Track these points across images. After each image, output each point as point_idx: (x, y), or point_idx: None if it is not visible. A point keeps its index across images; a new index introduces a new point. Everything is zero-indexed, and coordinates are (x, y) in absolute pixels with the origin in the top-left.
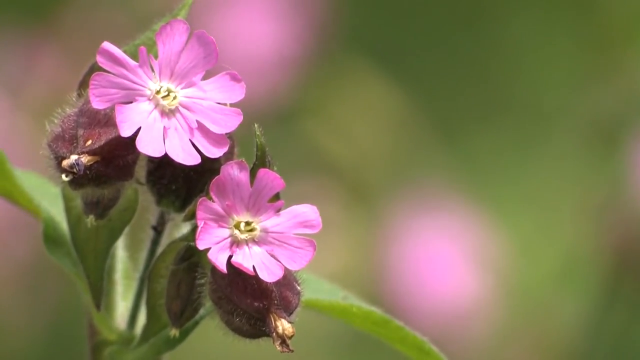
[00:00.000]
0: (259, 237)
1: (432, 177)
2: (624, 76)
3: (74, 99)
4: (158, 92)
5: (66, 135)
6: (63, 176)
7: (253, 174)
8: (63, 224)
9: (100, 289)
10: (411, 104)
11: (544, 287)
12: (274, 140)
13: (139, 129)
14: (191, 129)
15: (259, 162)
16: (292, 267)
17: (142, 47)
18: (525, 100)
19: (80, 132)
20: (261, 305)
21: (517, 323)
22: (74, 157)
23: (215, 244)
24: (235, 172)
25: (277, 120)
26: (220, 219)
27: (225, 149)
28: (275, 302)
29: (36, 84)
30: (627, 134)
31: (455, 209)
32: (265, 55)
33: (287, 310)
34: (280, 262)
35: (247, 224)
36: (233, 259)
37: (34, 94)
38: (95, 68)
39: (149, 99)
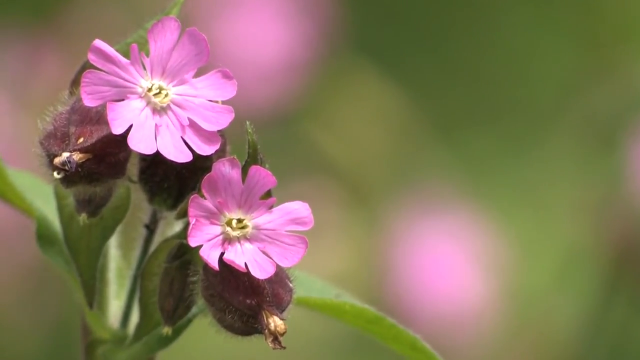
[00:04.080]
0: (251, 234)
1: (433, 179)
2: (621, 75)
3: (66, 96)
4: (150, 89)
5: (58, 133)
6: (55, 174)
7: (245, 171)
8: (56, 223)
9: (92, 288)
10: (412, 106)
11: (544, 286)
12: (276, 142)
13: (131, 126)
14: (183, 127)
15: (251, 159)
16: (284, 264)
17: (133, 44)
18: (525, 100)
19: (72, 129)
20: (253, 302)
21: (518, 323)
22: (65, 155)
23: (207, 241)
24: (227, 169)
25: (280, 122)
26: (212, 216)
27: (217, 147)
28: (268, 299)
29: (37, 84)
30: (624, 133)
31: (456, 210)
32: (270, 58)
33: (279, 307)
34: (272, 259)
35: (239, 221)
36: (225, 256)
37: (36, 94)
38: (87, 66)
39: (140, 97)
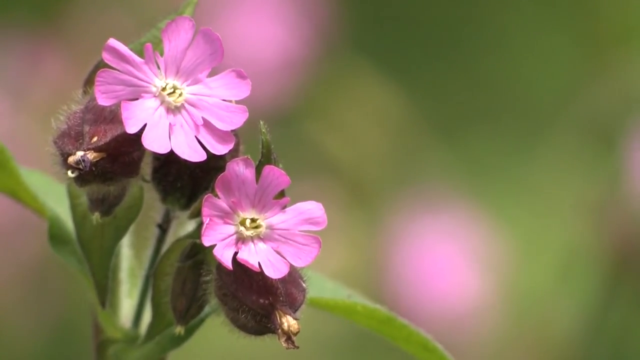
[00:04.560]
0: (265, 234)
1: (433, 178)
2: (621, 75)
3: (79, 96)
4: (164, 88)
5: (72, 132)
6: (69, 172)
7: (258, 170)
8: (68, 223)
9: (105, 287)
10: (412, 106)
11: (544, 287)
12: (276, 142)
13: (145, 125)
14: (197, 126)
15: (265, 159)
16: (298, 263)
17: (147, 44)
18: (525, 101)
19: (86, 128)
20: (266, 301)
21: (518, 323)
22: (80, 154)
23: (221, 241)
24: (240, 169)
25: (280, 121)
26: (225, 216)
27: (231, 146)
28: (281, 298)
29: (40, 85)
30: (624, 133)
31: (457, 210)
32: (270, 58)
33: (293, 306)
34: (285, 258)
35: (253, 220)
36: (238, 256)
37: (38, 95)
38: (101, 65)
39: (154, 96)
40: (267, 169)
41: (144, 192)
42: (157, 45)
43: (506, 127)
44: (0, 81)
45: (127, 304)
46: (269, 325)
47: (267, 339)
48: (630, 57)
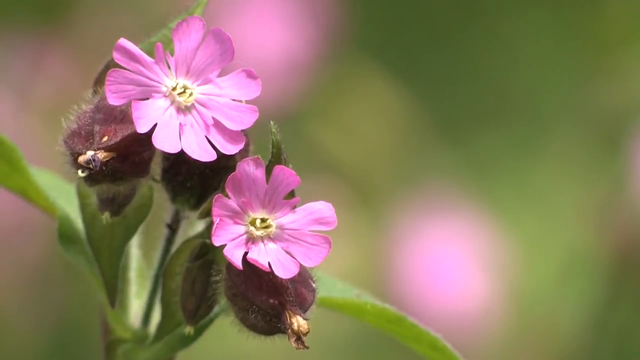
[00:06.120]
0: (275, 234)
1: (438, 179)
2: (624, 75)
3: (89, 95)
4: (174, 88)
5: (82, 132)
6: (79, 172)
7: (269, 171)
8: (78, 222)
9: (114, 287)
10: (417, 106)
11: (548, 287)
12: (282, 142)
13: (155, 125)
14: (207, 126)
15: (275, 159)
16: (308, 264)
17: (158, 43)
18: (529, 101)
19: (97, 128)
20: (276, 301)
21: (522, 324)
22: (90, 153)
23: (231, 241)
24: (251, 169)
25: (285, 122)
26: (235, 216)
27: (241, 146)
28: (291, 298)
29: (45, 85)
30: (628, 134)
31: (461, 210)
32: (275, 59)
33: (303, 307)
34: (295, 258)
35: (263, 220)
36: (249, 256)
37: (43, 95)
38: (111, 65)
39: (165, 96)
40: (278, 169)
41: (154, 192)
42: (168, 45)
43: (511, 128)
44: (5, 81)
45: (136, 304)
46: (278, 325)
47: (277, 339)
48: (634, 58)
